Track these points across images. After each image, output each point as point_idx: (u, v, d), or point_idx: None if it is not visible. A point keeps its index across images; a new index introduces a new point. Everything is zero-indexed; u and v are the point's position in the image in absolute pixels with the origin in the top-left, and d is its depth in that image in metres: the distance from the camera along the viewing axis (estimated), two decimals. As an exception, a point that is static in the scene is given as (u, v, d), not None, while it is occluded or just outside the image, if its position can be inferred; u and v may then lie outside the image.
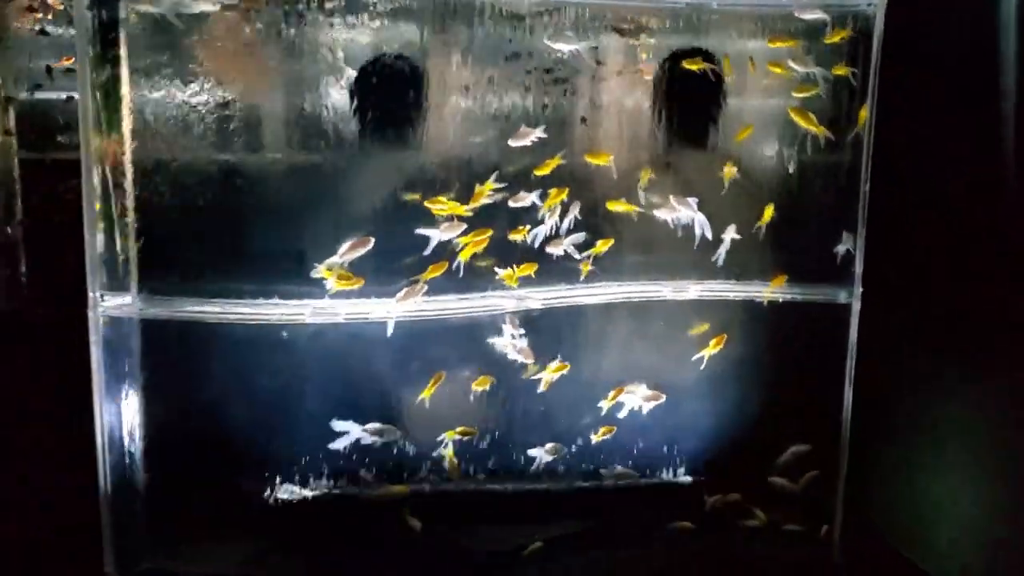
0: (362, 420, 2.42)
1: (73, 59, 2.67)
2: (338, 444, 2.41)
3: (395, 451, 2.49)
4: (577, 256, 2.47)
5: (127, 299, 2.30)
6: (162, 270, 2.31)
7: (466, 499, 2.58)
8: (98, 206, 2.24)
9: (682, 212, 2.51)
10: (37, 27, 3.03)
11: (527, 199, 2.39)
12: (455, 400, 2.47)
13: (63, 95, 2.94)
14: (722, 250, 2.55)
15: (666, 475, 2.71)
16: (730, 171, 2.52)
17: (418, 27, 2.36)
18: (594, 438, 2.61)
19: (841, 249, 2.57)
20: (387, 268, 2.36)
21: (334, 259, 2.28)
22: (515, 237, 2.41)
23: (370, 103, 2.35)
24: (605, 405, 2.58)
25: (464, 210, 2.34)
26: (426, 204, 2.33)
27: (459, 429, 2.48)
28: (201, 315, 2.31)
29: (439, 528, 2.53)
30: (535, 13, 2.38)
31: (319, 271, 2.27)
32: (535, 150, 2.40)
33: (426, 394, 2.40)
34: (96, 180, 2.23)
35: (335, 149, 2.35)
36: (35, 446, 2.67)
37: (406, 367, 2.43)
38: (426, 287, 2.36)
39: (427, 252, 2.34)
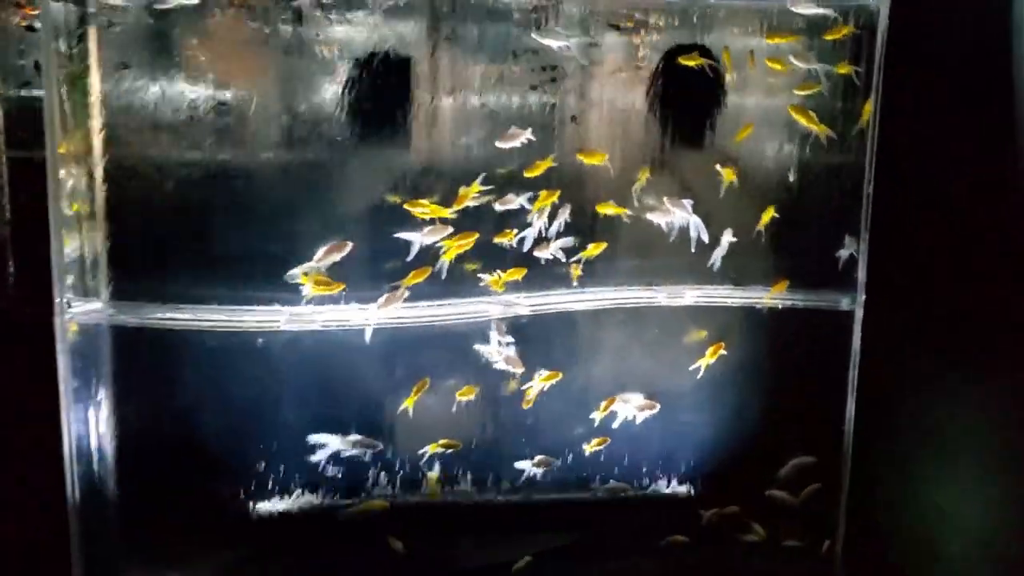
0: (342, 431, 2.35)
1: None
2: (316, 457, 2.33)
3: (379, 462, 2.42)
4: (564, 260, 2.38)
5: (96, 304, 2.23)
6: (133, 274, 2.24)
7: (453, 512, 2.51)
8: (74, 207, 2.17)
9: (676, 215, 2.41)
10: (25, 23, 2.94)
11: (514, 202, 2.30)
12: (442, 410, 2.39)
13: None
14: (718, 254, 2.47)
15: (661, 487, 2.63)
16: (729, 174, 2.43)
17: (406, 24, 2.28)
18: (587, 449, 2.52)
19: (843, 254, 2.50)
20: (369, 273, 2.28)
21: (311, 264, 2.19)
22: (501, 240, 2.32)
23: (359, 102, 2.26)
24: (597, 416, 2.49)
25: (448, 213, 2.25)
26: (406, 207, 2.24)
27: (442, 442, 2.39)
28: (173, 322, 2.23)
29: (426, 542, 2.47)
30: (527, 8, 2.29)
31: (296, 276, 2.19)
32: (526, 151, 2.33)
33: (409, 403, 2.31)
34: (63, 180, 2.16)
35: (316, 149, 2.27)
36: (36, 446, 2.57)
37: (388, 376, 2.35)
38: (407, 293, 2.27)
39: (409, 257, 2.26)
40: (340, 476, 2.38)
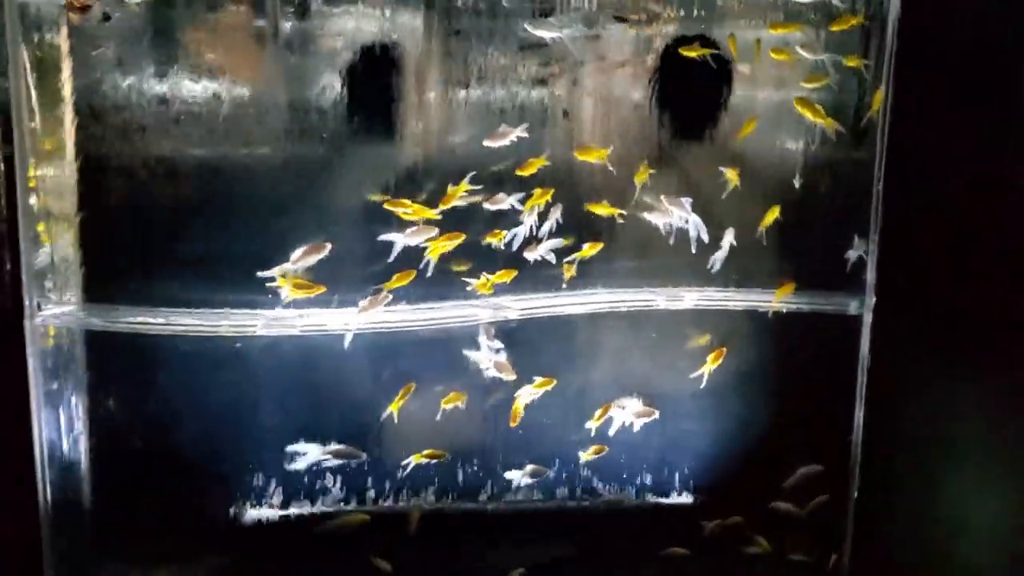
0: (322, 439, 2.28)
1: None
2: (297, 465, 2.27)
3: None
4: (554, 262, 2.29)
5: (69, 307, 2.16)
6: (107, 276, 2.18)
7: (443, 522, 2.43)
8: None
9: (675, 215, 2.31)
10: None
11: (504, 201, 2.22)
12: (429, 418, 2.30)
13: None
14: (719, 256, 2.38)
15: (660, 497, 2.55)
16: (732, 174, 2.33)
17: (402, 16, 2.19)
18: (583, 456, 2.44)
19: (852, 255, 2.41)
20: (357, 276, 2.21)
21: (287, 265, 2.11)
22: (491, 241, 2.24)
23: (349, 97, 2.18)
24: (593, 425, 2.40)
25: (433, 214, 2.17)
26: (387, 206, 2.15)
27: (426, 452, 2.32)
28: (146, 325, 2.17)
29: (415, 552, 2.41)
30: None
31: (270, 277, 2.11)
32: (529, 148, 2.24)
33: (394, 407, 2.24)
34: (33, 178, 2.10)
35: (300, 147, 2.18)
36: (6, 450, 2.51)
37: (371, 383, 2.28)
38: (390, 297, 2.19)
39: (391, 259, 2.18)
40: (321, 484, 2.32)
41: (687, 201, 2.31)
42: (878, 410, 2.50)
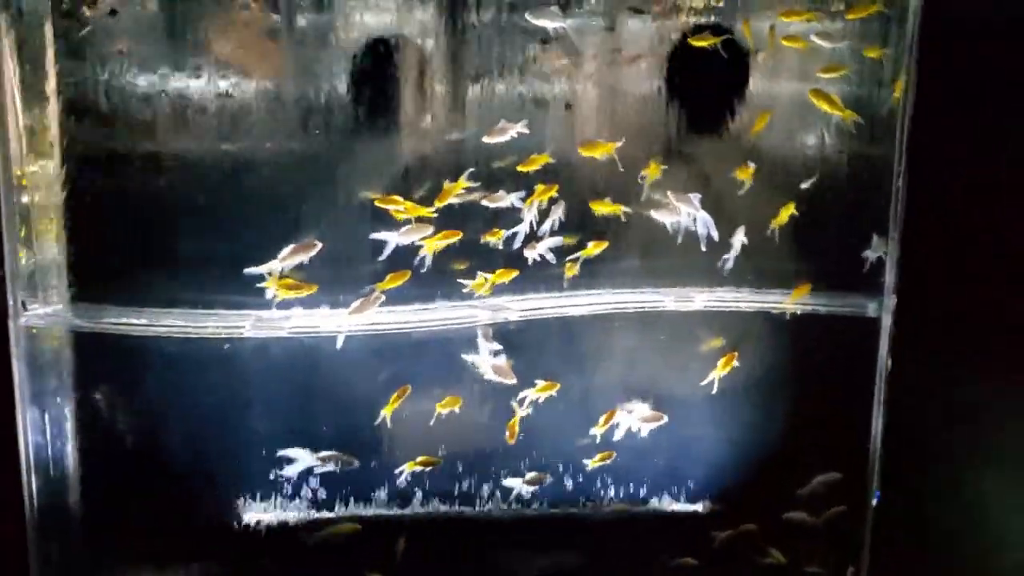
0: (316, 444, 2.22)
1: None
2: (289, 472, 2.22)
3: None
4: (553, 261, 2.22)
5: (56, 307, 2.11)
6: (95, 276, 2.12)
7: (442, 529, 2.37)
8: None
9: (683, 212, 2.23)
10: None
11: (504, 199, 2.15)
12: (427, 423, 2.24)
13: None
14: (731, 255, 2.29)
15: (669, 505, 2.48)
16: (746, 171, 2.26)
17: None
18: (590, 463, 2.37)
19: (871, 255, 2.32)
20: (347, 276, 2.14)
21: (274, 264, 2.04)
22: (489, 239, 2.17)
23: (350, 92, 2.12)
24: (597, 432, 2.33)
25: (429, 212, 2.10)
26: (378, 204, 2.08)
27: (420, 459, 2.26)
28: (134, 326, 2.12)
29: (415, 560, 2.35)
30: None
31: (256, 276, 2.05)
32: (530, 144, 2.16)
33: (388, 411, 2.18)
34: (16, 175, 2.04)
35: (295, 142, 2.12)
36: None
37: (364, 387, 2.21)
38: (383, 297, 2.13)
39: (382, 258, 2.11)
40: (313, 490, 2.27)
41: (696, 197, 2.22)
42: (898, 416, 2.44)
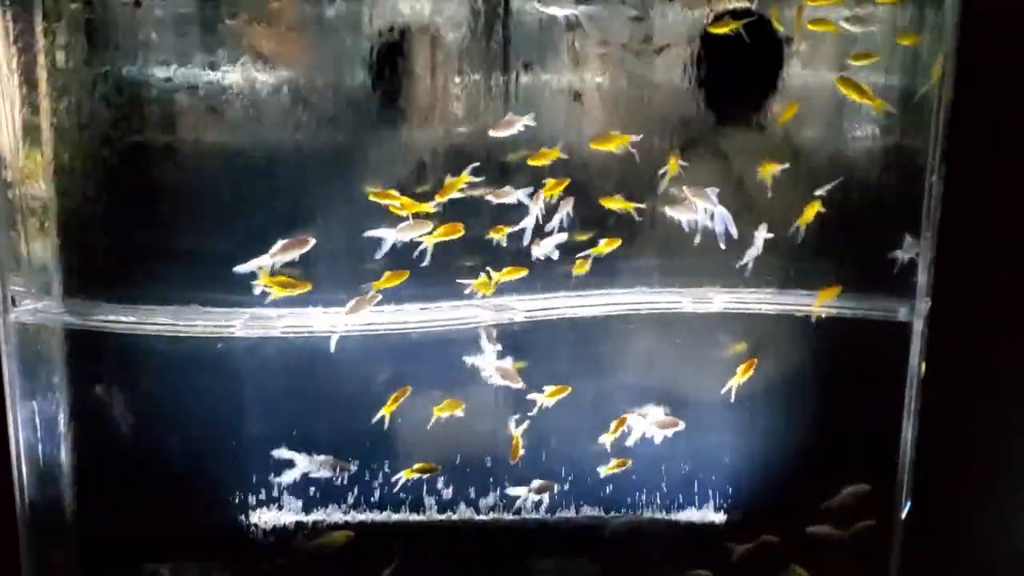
0: (313, 448, 2.18)
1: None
2: (286, 478, 2.17)
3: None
4: (556, 259, 2.14)
5: (47, 303, 2.08)
6: (87, 271, 2.09)
7: (449, 534, 2.31)
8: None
9: (700, 208, 2.13)
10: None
11: (511, 195, 2.08)
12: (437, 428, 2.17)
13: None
14: (752, 254, 2.19)
15: (685, 515, 2.40)
16: (770, 167, 2.16)
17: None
18: (604, 471, 2.29)
19: (902, 256, 2.22)
20: (346, 273, 2.08)
21: (264, 259, 1.99)
22: (493, 236, 2.09)
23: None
24: (608, 439, 2.25)
25: (428, 207, 2.03)
26: (373, 198, 2.01)
27: (417, 466, 2.19)
28: (127, 323, 2.08)
29: (425, 567, 2.31)
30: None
31: (248, 273, 1.99)
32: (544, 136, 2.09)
33: (386, 411, 2.11)
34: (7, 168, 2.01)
35: (289, 133, 2.05)
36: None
37: (368, 388, 2.15)
38: (379, 296, 2.07)
39: (378, 256, 2.04)
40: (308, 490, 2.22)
41: (713, 192, 2.13)
42: (930, 426, 2.34)
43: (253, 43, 1.99)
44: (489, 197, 2.06)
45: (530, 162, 2.07)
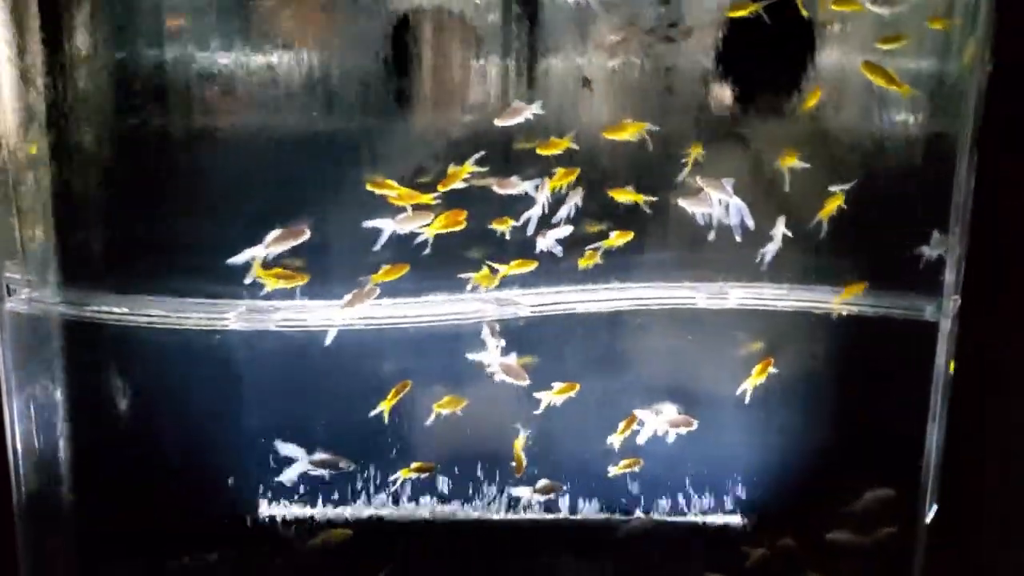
0: (314, 444, 2.13)
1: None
2: (286, 476, 2.13)
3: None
4: (559, 254, 2.07)
5: (44, 292, 2.05)
6: (85, 260, 2.04)
7: (455, 534, 2.26)
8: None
9: (714, 201, 2.05)
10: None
11: (518, 186, 2.01)
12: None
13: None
14: (771, 248, 2.11)
15: (699, 516, 2.33)
16: (789, 159, 2.07)
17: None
18: (614, 471, 2.23)
19: (929, 252, 2.13)
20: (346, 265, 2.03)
21: (258, 249, 1.93)
22: (497, 227, 2.03)
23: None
24: (616, 439, 2.18)
25: (429, 198, 1.95)
26: (370, 187, 1.94)
27: (414, 466, 2.15)
28: (125, 314, 2.04)
29: (428, 566, 2.27)
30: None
31: (242, 264, 1.94)
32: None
33: (386, 406, 2.06)
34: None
35: (289, 117, 1.99)
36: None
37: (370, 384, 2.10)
38: (378, 290, 2.01)
39: (376, 248, 1.98)
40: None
41: (728, 182, 2.05)
42: (957, 428, 2.26)
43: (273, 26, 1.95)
44: (496, 188, 1.99)
45: (539, 151, 2.00)
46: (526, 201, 2.02)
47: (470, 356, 2.07)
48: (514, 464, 2.16)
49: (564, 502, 2.26)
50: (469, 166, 1.95)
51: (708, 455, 2.27)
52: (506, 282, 2.07)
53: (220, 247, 1.96)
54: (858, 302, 2.16)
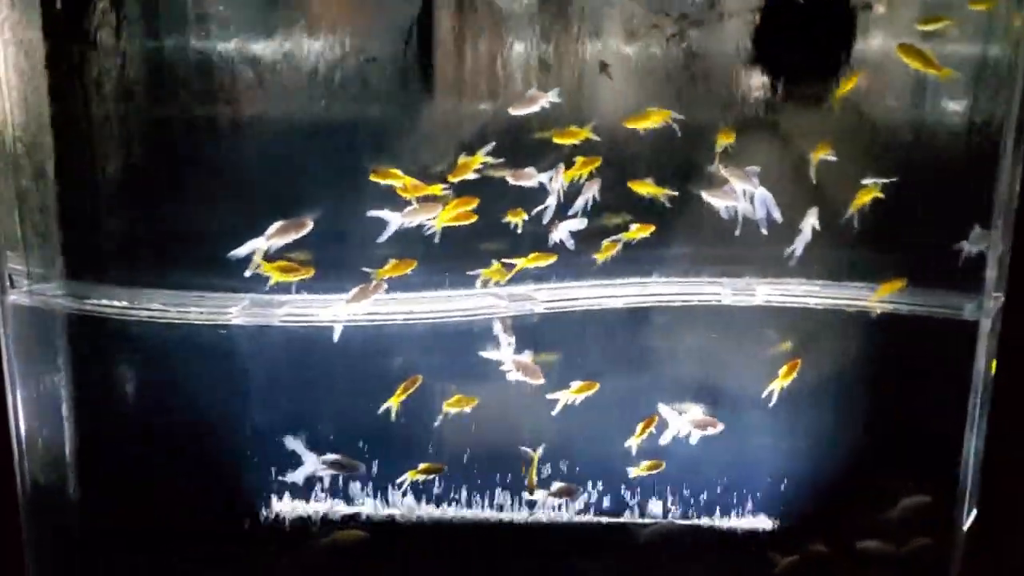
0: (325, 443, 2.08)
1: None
2: (295, 476, 2.09)
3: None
4: (571, 246, 2.00)
5: (48, 285, 2.02)
6: (89, 252, 2.01)
7: (472, 534, 2.21)
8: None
9: (739, 191, 1.96)
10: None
11: (532, 178, 1.94)
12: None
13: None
14: (800, 242, 2.03)
15: (725, 520, 2.26)
16: (821, 150, 1.98)
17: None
18: (634, 472, 2.16)
19: (969, 248, 2.03)
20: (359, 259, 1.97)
21: (259, 241, 1.88)
22: (511, 219, 1.96)
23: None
24: (635, 442, 2.11)
25: (437, 189, 1.90)
26: (373, 177, 1.88)
27: (422, 467, 2.09)
28: (130, 306, 2.00)
29: (440, 565, 2.21)
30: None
31: (241, 256, 1.89)
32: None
33: (394, 401, 2.01)
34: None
35: (299, 104, 1.93)
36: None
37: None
38: (384, 285, 1.95)
39: (381, 240, 1.92)
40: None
41: (754, 171, 1.96)
42: (997, 432, 2.16)
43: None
44: (510, 179, 1.93)
45: (556, 139, 1.93)
46: (544, 194, 1.96)
47: (483, 353, 2.02)
48: (527, 483, 2.13)
49: (582, 504, 2.21)
50: (481, 156, 1.89)
51: (734, 457, 2.21)
52: (521, 276, 2.01)
53: (229, 239, 1.92)
54: (893, 299, 2.08)
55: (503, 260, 1.98)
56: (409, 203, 1.88)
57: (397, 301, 2.00)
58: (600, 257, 2.01)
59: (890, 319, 2.09)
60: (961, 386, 2.11)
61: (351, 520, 2.15)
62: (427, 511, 2.17)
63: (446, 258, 1.97)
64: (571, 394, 2.05)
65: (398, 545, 2.18)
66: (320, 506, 2.14)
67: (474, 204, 1.91)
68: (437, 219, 1.90)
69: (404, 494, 2.13)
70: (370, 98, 1.94)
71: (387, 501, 2.15)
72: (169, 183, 1.95)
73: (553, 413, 2.06)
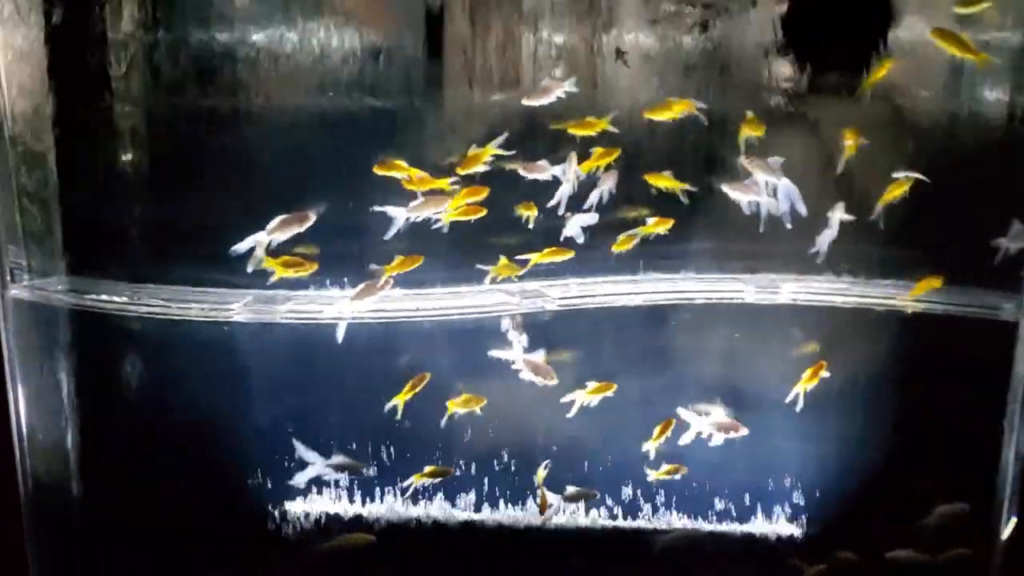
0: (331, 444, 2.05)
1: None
2: (300, 479, 2.05)
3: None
4: (580, 241, 1.94)
5: (49, 280, 2.00)
6: (90, 247, 2.00)
7: (489, 538, 2.17)
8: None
9: (761, 184, 1.89)
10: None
11: (545, 171, 1.88)
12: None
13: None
14: (826, 239, 1.95)
15: (752, 526, 2.19)
16: (851, 140, 1.90)
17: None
18: (654, 476, 2.09)
19: (1007, 245, 1.95)
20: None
21: (260, 235, 1.84)
22: (523, 212, 1.91)
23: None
24: (652, 445, 2.04)
25: (444, 182, 1.84)
26: (377, 170, 1.83)
27: (427, 470, 2.04)
28: (131, 302, 1.98)
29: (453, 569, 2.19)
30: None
31: (243, 251, 1.84)
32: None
33: (400, 399, 1.96)
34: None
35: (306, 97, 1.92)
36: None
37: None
38: (391, 282, 1.91)
39: (387, 237, 1.87)
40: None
41: (777, 162, 1.89)
42: None
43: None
44: (522, 172, 1.87)
45: (571, 131, 1.88)
46: (558, 187, 1.92)
47: (493, 353, 1.97)
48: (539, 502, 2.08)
49: (600, 510, 2.16)
50: (491, 148, 1.84)
51: (759, 461, 2.14)
52: (533, 272, 1.96)
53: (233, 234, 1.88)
54: (926, 298, 2.01)
55: (513, 259, 1.94)
56: (416, 196, 1.84)
57: (406, 298, 1.96)
58: (617, 249, 1.95)
59: (924, 319, 2.03)
60: (999, 390, 2.04)
61: (357, 522, 2.12)
62: (435, 513, 2.14)
63: (455, 253, 1.94)
64: (587, 395, 1.99)
65: (404, 548, 2.15)
66: (326, 506, 2.11)
67: (484, 195, 1.85)
68: (445, 213, 1.86)
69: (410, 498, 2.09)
70: (378, 91, 1.90)
71: (393, 503, 2.12)
72: (171, 177, 1.93)
73: (568, 416, 1.99)
